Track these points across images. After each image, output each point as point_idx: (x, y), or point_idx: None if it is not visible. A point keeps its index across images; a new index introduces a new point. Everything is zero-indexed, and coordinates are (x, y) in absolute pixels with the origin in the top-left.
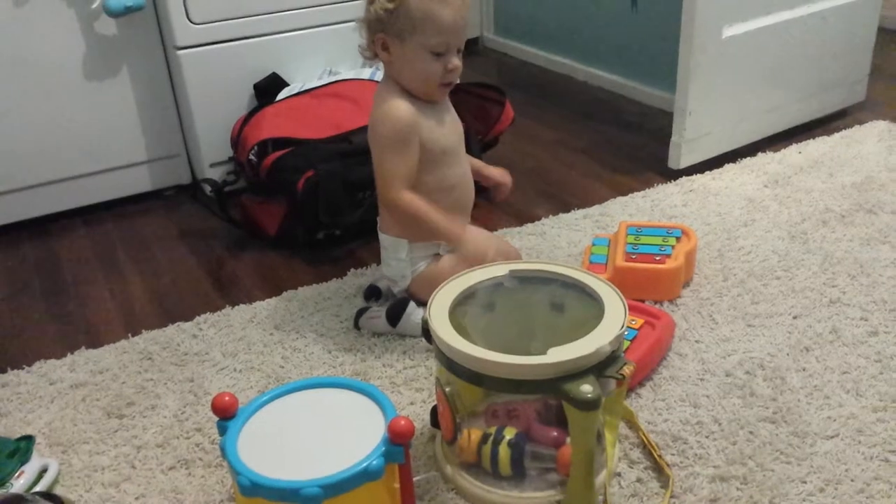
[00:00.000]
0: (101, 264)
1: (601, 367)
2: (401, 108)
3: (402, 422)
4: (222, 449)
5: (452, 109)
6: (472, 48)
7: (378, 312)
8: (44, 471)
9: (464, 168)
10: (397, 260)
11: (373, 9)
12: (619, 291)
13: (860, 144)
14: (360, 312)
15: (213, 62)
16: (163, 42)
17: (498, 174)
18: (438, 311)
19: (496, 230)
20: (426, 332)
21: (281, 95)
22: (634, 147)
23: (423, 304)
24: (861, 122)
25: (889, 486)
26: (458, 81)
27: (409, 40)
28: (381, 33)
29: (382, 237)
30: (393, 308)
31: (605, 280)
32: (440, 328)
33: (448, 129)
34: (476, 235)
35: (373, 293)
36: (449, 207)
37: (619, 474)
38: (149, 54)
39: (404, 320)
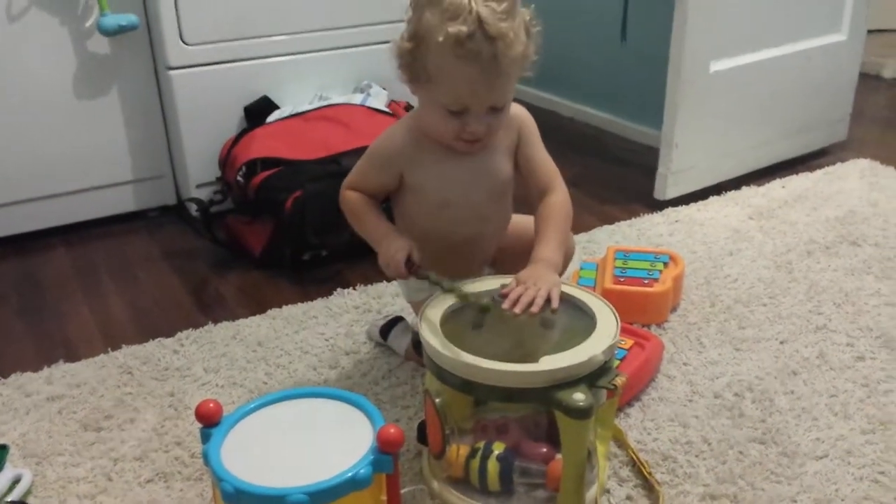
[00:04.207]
0: (82, 282)
1: (594, 376)
2: (392, 135)
3: (392, 429)
4: (205, 456)
5: (495, 164)
6: None
7: (381, 321)
8: (17, 481)
9: (483, 228)
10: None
11: (397, 43)
12: (609, 304)
13: (842, 181)
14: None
15: (204, 83)
16: (154, 62)
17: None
18: (429, 321)
19: None
20: (417, 344)
21: (271, 118)
22: (621, 180)
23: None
24: (843, 161)
25: None
26: (481, 139)
27: (424, 88)
28: (404, 69)
29: None
30: (386, 324)
31: (595, 294)
32: (431, 337)
33: (464, 179)
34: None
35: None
36: (452, 264)
37: (608, 491)
38: (140, 74)
39: (392, 335)
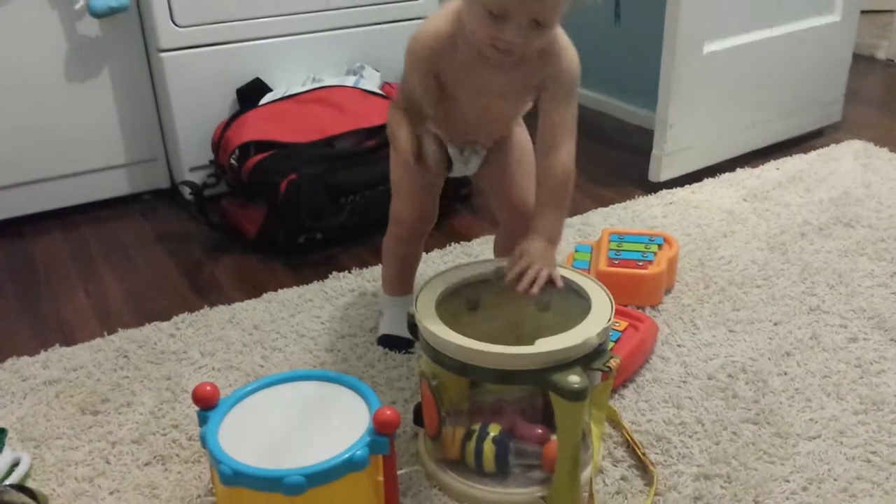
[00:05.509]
0: (76, 266)
1: (588, 359)
2: (427, 31)
3: (388, 411)
4: (202, 438)
5: (514, 96)
6: None
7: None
8: (15, 464)
9: (481, 130)
10: None
11: None
12: (604, 287)
13: (836, 162)
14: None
15: (196, 66)
16: (146, 44)
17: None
18: (425, 304)
19: (479, 237)
20: (412, 327)
21: (264, 100)
22: (615, 161)
23: None
24: (837, 142)
25: (871, 485)
26: (514, 52)
27: None
28: None
29: None
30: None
31: (590, 277)
32: (427, 319)
33: (481, 92)
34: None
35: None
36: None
37: (602, 472)
38: (131, 56)
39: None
